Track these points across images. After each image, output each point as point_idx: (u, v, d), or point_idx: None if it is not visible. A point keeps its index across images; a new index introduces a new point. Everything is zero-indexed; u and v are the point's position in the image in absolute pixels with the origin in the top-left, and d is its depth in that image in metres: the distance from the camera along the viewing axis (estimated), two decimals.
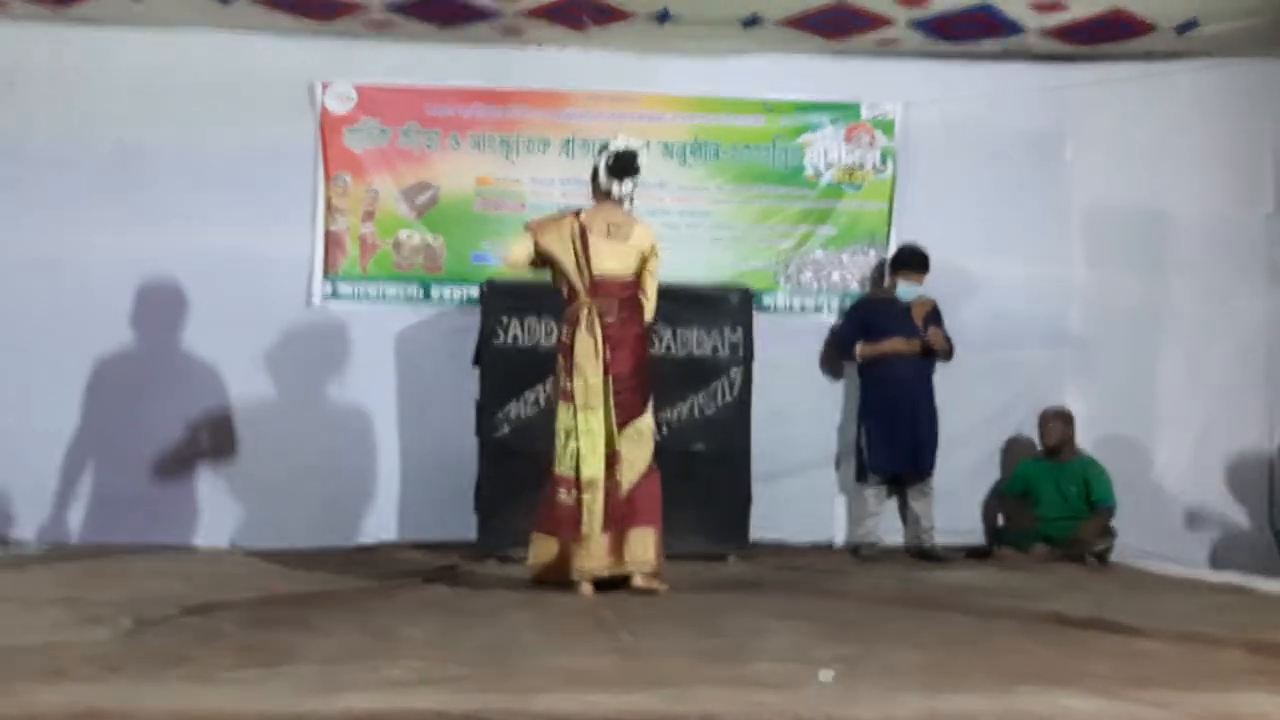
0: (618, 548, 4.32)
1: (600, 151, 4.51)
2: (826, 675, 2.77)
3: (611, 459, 4.30)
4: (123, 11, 5.67)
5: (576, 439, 4.29)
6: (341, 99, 6.02)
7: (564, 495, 4.31)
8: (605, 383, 4.30)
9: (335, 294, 5.99)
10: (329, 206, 5.99)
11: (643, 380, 4.43)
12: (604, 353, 4.29)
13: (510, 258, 4.50)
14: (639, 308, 4.44)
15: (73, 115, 5.86)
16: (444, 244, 6.04)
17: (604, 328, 4.31)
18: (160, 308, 5.81)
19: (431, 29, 5.88)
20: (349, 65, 6.01)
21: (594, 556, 4.29)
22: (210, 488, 5.84)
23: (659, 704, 2.51)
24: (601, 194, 4.47)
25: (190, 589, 4.16)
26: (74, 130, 5.85)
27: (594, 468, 4.26)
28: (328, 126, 6.00)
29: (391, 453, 5.94)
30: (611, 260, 4.36)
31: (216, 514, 5.81)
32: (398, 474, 5.93)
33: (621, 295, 4.38)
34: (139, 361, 5.81)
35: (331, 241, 5.99)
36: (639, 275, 4.44)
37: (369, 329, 5.95)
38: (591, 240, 4.34)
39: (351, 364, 5.94)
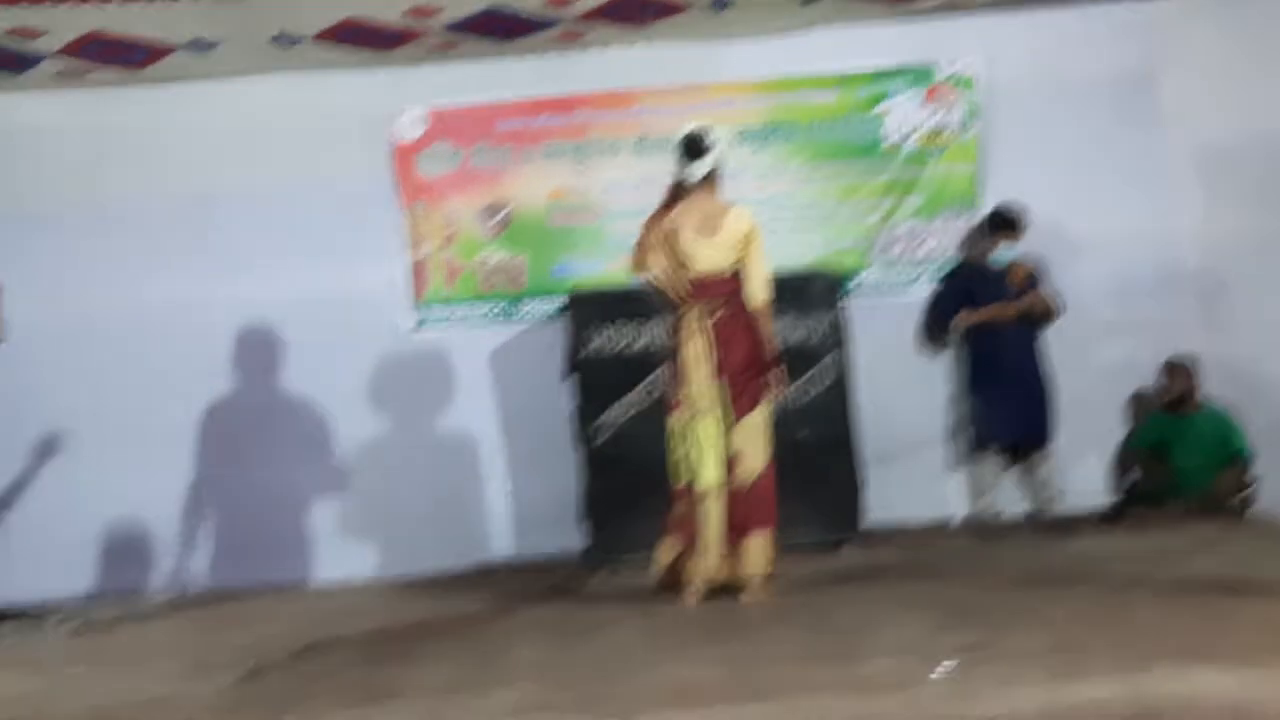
0: (734, 553, 4.21)
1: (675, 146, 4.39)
2: (945, 667, 2.63)
3: (731, 462, 4.19)
4: (193, 68, 5.79)
5: (689, 448, 4.21)
6: (412, 126, 6.05)
7: (682, 506, 4.24)
8: (715, 387, 4.19)
9: (425, 321, 6.03)
10: (410, 235, 6.03)
11: (758, 372, 4.27)
12: (715, 355, 4.19)
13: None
14: (744, 301, 4.27)
15: (155, 172, 6.00)
16: (525, 261, 6.03)
17: (713, 327, 4.21)
18: (256, 352, 5.91)
19: (493, 44, 5.87)
20: (416, 91, 6.02)
21: (711, 564, 4.20)
22: (324, 522, 5.92)
23: (768, 716, 2.42)
24: (686, 185, 4.31)
25: (305, 628, 4.22)
26: (157, 186, 5.99)
27: (709, 477, 4.17)
28: (400, 156, 6.04)
29: (498, 471, 5.96)
30: (708, 256, 4.23)
31: (331, 548, 5.89)
32: (506, 491, 5.94)
33: (726, 290, 4.25)
34: (241, 407, 5.91)
35: (415, 270, 6.03)
36: (740, 264, 4.27)
37: (462, 352, 5.97)
38: (683, 240, 4.23)
39: (449, 388, 5.97)
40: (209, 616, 4.86)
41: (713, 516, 4.16)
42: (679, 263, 4.24)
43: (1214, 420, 5.60)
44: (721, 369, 4.19)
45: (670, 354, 4.31)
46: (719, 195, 4.34)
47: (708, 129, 4.31)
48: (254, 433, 5.93)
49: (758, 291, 4.27)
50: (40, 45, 5.46)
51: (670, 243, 4.24)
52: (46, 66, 5.68)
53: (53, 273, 5.94)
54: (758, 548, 4.19)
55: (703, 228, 4.24)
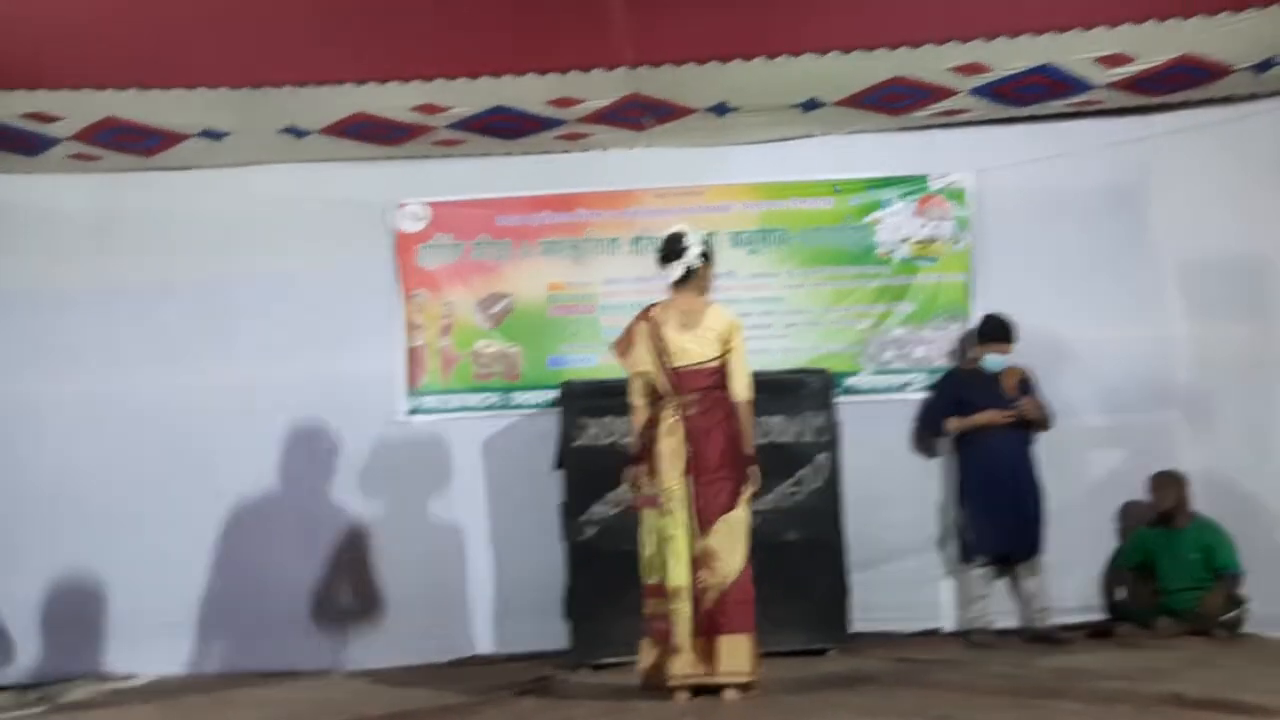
0: (709, 655, 4.16)
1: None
2: None
3: (695, 562, 4.16)
4: (203, 155, 5.94)
5: (662, 546, 4.18)
6: (414, 218, 6.17)
7: (655, 604, 4.21)
8: (685, 484, 4.19)
9: (419, 409, 6.06)
10: (408, 324, 6.10)
11: (736, 469, 4.26)
12: (685, 452, 4.20)
13: (632, 400, 4.43)
14: (725, 395, 4.30)
15: (161, 256, 6.11)
16: (521, 351, 6.09)
17: (686, 421, 4.22)
18: (253, 439, 5.92)
19: (496, 143, 6.02)
20: (419, 185, 6.16)
21: (686, 663, 4.15)
22: (311, 612, 5.87)
23: None
24: (670, 286, 4.42)
25: (279, 715, 4.16)
26: (163, 271, 6.09)
27: (679, 575, 4.14)
28: (402, 246, 6.14)
29: (484, 562, 5.92)
30: (689, 348, 4.29)
31: (315, 637, 5.84)
32: (491, 584, 5.90)
33: (705, 384, 4.29)
34: (235, 494, 5.91)
35: (413, 358, 6.08)
36: (723, 360, 4.32)
37: (454, 441, 6.00)
38: (666, 335, 4.30)
39: (439, 476, 5.97)
40: (189, 703, 4.80)
41: (682, 615, 4.12)
42: (661, 356, 4.28)
43: (1204, 534, 5.56)
44: (693, 466, 4.20)
45: (645, 449, 4.31)
46: (702, 293, 4.41)
47: (685, 232, 4.41)
48: (247, 520, 5.91)
49: (741, 387, 4.31)
50: (55, 129, 5.61)
51: (653, 337, 4.30)
52: (61, 150, 5.82)
53: (60, 351, 6.02)
54: (732, 649, 4.13)
55: (685, 323, 4.31)
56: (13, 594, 5.76)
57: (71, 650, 5.74)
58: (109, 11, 4.74)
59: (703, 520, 4.19)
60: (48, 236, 6.13)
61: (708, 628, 4.13)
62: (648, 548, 4.24)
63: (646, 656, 4.28)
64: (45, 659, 5.70)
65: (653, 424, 4.30)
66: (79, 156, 5.92)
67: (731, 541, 4.20)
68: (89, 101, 5.33)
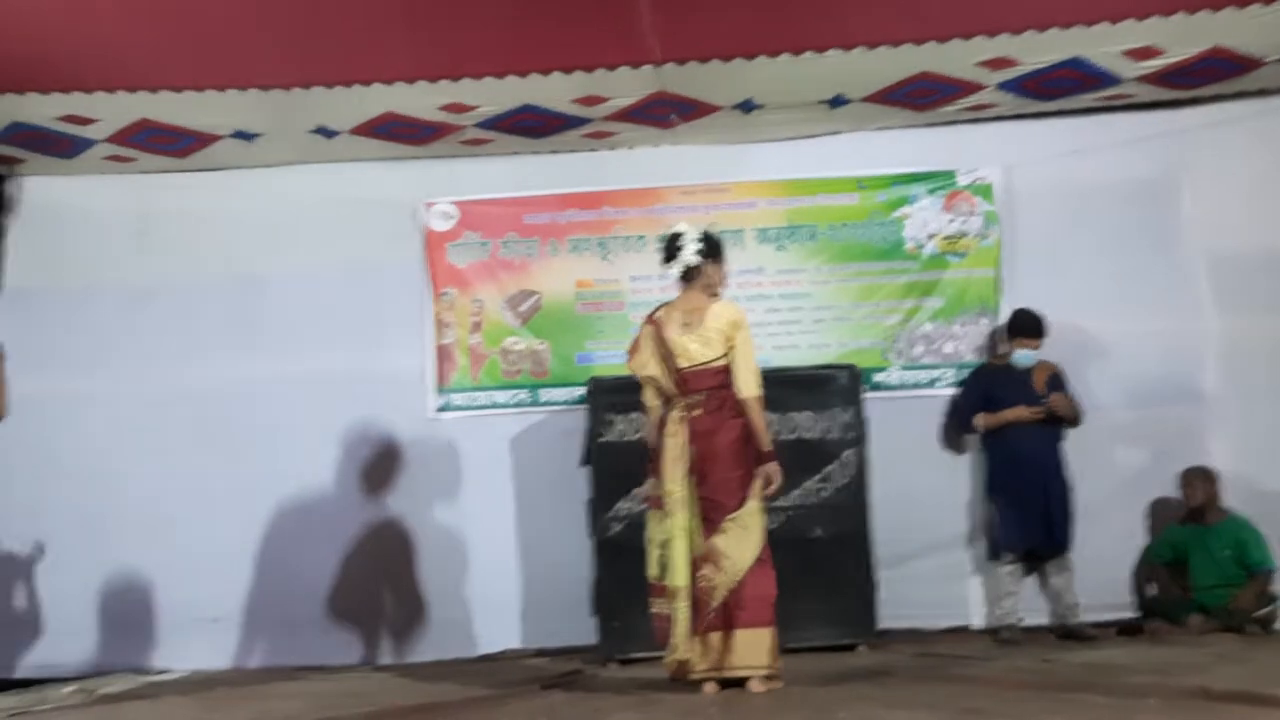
0: (726, 648, 4.13)
1: None
2: None
3: (697, 563, 4.13)
4: (235, 156, 6.03)
5: (665, 546, 4.17)
6: (444, 217, 6.22)
7: (659, 603, 4.19)
8: (688, 486, 4.16)
9: (449, 406, 6.11)
10: (438, 321, 6.15)
11: (744, 468, 4.21)
12: (689, 454, 4.17)
13: (646, 401, 4.40)
14: (732, 393, 4.25)
15: (196, 254, 6.22)
16: (549, 348, 6.13)
17: (692, 423, 4.19)
18: (286, 437, 6.00)
19: (524, 141, 6.06)
20: (449, 184, 6.23)
21: (702, 658, 4.13)
22: (343, 607, 5.93)
23: None
24: (677, 286, 4.38)
25: (313, 707, 4.22)
26: (198, 268, 6.21)
27: (680, 575, 4.12)
28: (432, 244, 6.20)
29: (512, 558, 5.96)
30: (693, 348, 4.24)
31: (347, 633, 5.90)
32: (519, 579, 5.94)
33: (711, 384, 4.24)
34: (269, 491, 5.98)
35: (442, 355, 6.14)
36: (728, 357, 4.26)
37: (483, 437, 6.04)
38: (669, 337, 4.26)
39: (468, 473, 6.02)
40: (220, 695, 4.86)
41: (681, 615, 4.09)
42: (666, 359, 4.26)
43: (1235, 531, 5.51)
44: (697, 467, 4.16)
45: (652, 451, 4.30)
46: (708, 291, 4.34)
47: (684, 230, 4.35)
48: (277, 514, 5.98)
49: (747, 383, 4.22)
50: (92, 131, 5.71)
51: (657, 340, 4.28)
52: (97, 151, 5.93)
53: (99, 349, 6.13)
54: (750, 642, 4.09)
55: (687, 322, 4.27)
56: (52, 588, 5.87)
57: (110, 644, 5.84)
58: (142, 15, 4.81)
59: (709, 521, 4.15)
60: (86, 236, 6.25)
61: (723, 623, 4.12)
62: (654, 548, 4.23)
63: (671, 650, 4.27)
64: (84, 653, 5.80)
65: (659, 425, 4.28)
66: (115, 158, 6.02)
67: (741, 539, 4.14)
68: (123, 104, 5.43)
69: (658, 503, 4.22)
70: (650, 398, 4.37)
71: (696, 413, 4.22)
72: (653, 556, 4.23)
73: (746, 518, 4.18)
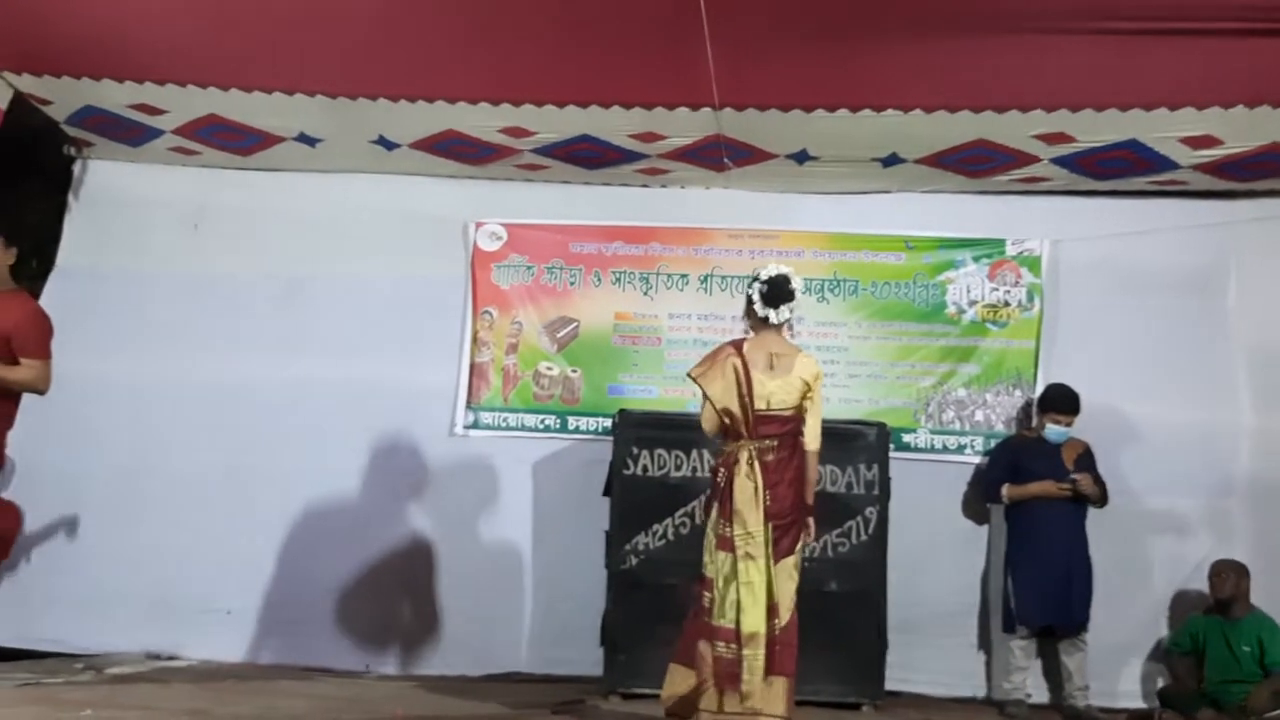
0: (748, 694, 4.12)
1: (752, 282, 4.35)
2: None
3: (771, 610, 4.11)
4: (296, 159, 6.16)
5: (738, 590, 4.11)
6: (492, 238, 6.30)
7: (722, 648, 4.12)
8: (766, 530, 4.13)
9: (477, 424, 6.16)
10: (475, 339, 6.22)
11: (799, 515, 4.25)
12: (764, 498, 4.15)
13: (708, 427, 4.36)
14: (799, 441, 4.27)
15: (248, 251, 6.33)
16: (582, 376, 6.17)
17: (764, 468, 4.17)
18: (319, 437, 6.07)
19: (577, 171, 6.15)
20: (499, 206, 6.31)
21: (729, 702, 4.12)
22: (355, 612, 5.96)
23: None
24: (759, 323, 4.33)
25: (317, 708, 4.24)
26: (249, 265, 6.31)
27: (755, 620, 4.08)
28: (478, 263, 6.28)
29: (526, 582, 5.97)
30: (775, 394, 4.22)
31: (357, 638, 5.93)
32: (531, 604, 5.95)
33: (783, 430, 4.24)
34: (296, 489, 6.03)
35: (476, 373, 6.20)
36: (800, 407, 4.27)
37: (508, 458, 6.07)
38: (754, 375, 4.22)
39: (489, 492, 6.05)
40: (227, 687, 4.90)
41: (758, 662, 4.05)
42: (744, 396, 4.23)
43: (1258, 628, 5.41)
44: (770, 512, 4.16)
45: (718, 488, 4.26)
46: (788, 337, 4.39)
47: (791, 274, 4.34)
48: (302, 514, 6.03)
49: (816, 436, 4.28)
50: (160, 122, 5.85)
51: (738, 375, 4.24)
52: (163, 142, 6.08)
53: (147, 335, 6.24)
54: (775, 689, 4.10)
55: (774, 366, 4.25)
56: (76, 565, 5.93)
57: (124, 625, 5.87)
58: (218, 15, 4.94)
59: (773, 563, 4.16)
60: (143, 223, 6.39)
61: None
62: (721, 590, 4.16)
63: (679, 684, 4.22)
64: (98, 633, 5.83)
65: (727, 465, 4.25)
66: (179, 150, 6.16)
67: (787, 587, 4.19)
68: (194, 98, 5.56)
69: (728, 544, 4.16)
70: (710, 423, 4.31)
71: (769, 458, 4.20)
72: (720, 599, 4.16)
73: (792, 566, 4.22)
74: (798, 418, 4.26)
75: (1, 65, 5.40)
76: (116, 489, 6.01)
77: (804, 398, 4.26)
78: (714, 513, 4.24)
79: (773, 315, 4.29)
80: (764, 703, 4.11)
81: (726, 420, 4.25)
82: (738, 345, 4.32)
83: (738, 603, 4.10)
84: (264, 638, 5.90)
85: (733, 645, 4.10)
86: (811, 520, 4.31)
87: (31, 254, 6.68)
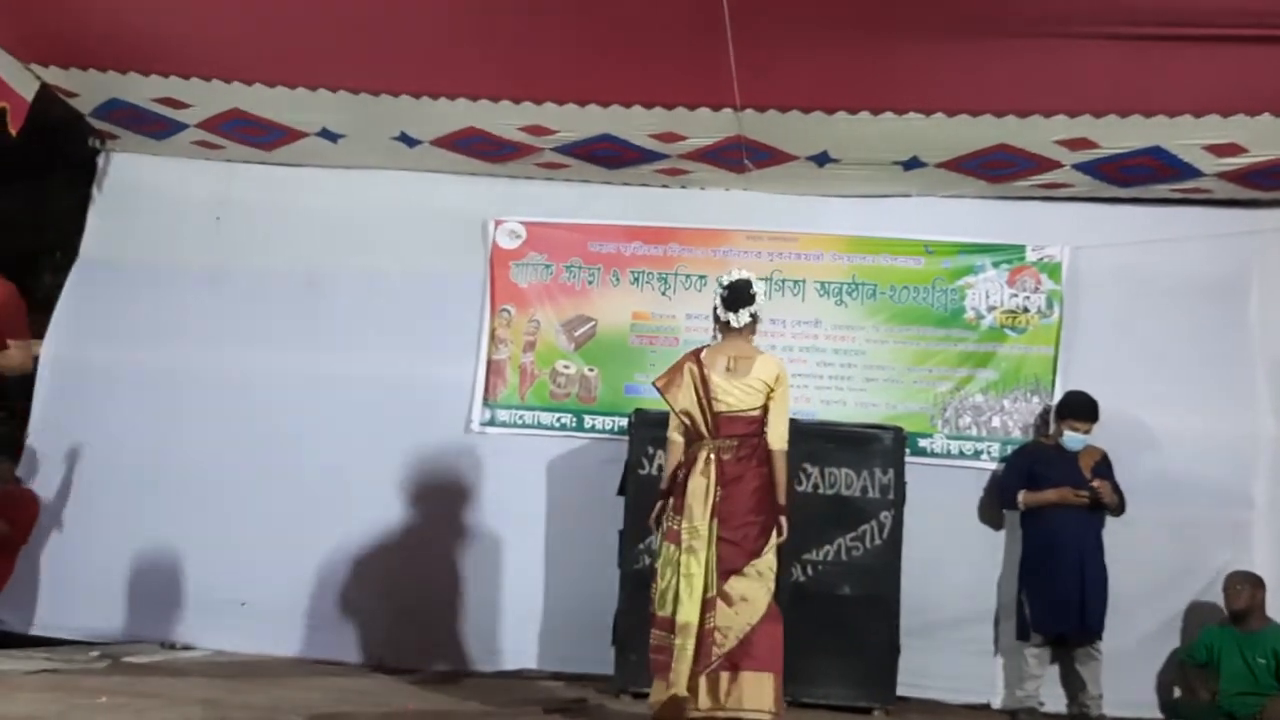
0: (731, 690, 4.14)
1: (716, 288, 4.50)
2: None
3: (709, 603, 4.16)
4: (318, 154, 6.19)
5: (676, 581, 4.19)
6: (511, 235, 6.32)
7: (661, 636, 4.21)
8: (710, 527, 4.20)
9: (493, 421, 6.18)
10: (493, 336, 6.24)
11: (765, 517, 4.27)
12: (714, 495, 4.22)
13: (670, 434, 4.43)
14: (762, 442, 4.32)
15: (269, 246, 6.37)
16: (599, 375, 6.18)
17: (719, 466, 4.24)
18: (333, 430, 6.10)
19: (597, 170, 6.16)
20: (519, 204, 6.33)
21: (707, 696, 4.12)
22: (362, 605, 5.99)
23: None
24: (722, 327, 4.44)
25: (327, 700, 4.27)
26: (270, 260, 6.35)
27: (689, 612, 4.13)
28: (497, 261, 6.30)
29: (538, 579, 5.98)
30: (733, 397, 4.31)
31: (368, 632, 5.94)
32: (542, 601, 5.95)
33: (744, 431, 4.31)
34: (309, 483, 6.05)
35: (493, 370, 6.22)
36: (765, 408, 4.33)
37: (523, 456, 6.08)
38: (711, 379, 4.32)
39: (503, 489, 6.06)
40: (238, 677, 4.93)
41: (685, 652, 4.10)
42: (705, 399, 4.30)
43: (1274, 641, 5.38)
44: (720, 509, 4.20)
45: (677, 484, 4.34)
46: (751, 339, 4.44)
47: (752, 279, 4.44)
48: (313, 507, 6.04)
49: (780, 436, 4.32)
50: (185, 115, 5.89)
51: (694, 379, 4.33)
52: (187, 135, 6.12)
53: (166, 325, 6.28)
54: (756, 685, 4.11)
55: (733, 368, 4.33)
56: (90, 556, 5.98)
57: (138, 614, 5.93)
58: (244, 10, 4.96)
59: (727, 565, 4.18)
60: (165, 216, 6.44)
61: (730, 664, 4.13)
62: (663, 580, 4.25)
63: (658, 690, 4.24)
64: (113, 621, 5.90)
65: (687, 463, 4.32)
66: (203, 143, 6.21)
67: (758, 586, 4.20)
68: (219, 92, 5.60)
69: (675, 537, 4.25)
70: (675, 431, 4.41)
71: (726, 457, 4.27)
72: (662, 590, 4.25)
73: (764, 566, 4.24)
74: (760, 419, 4.32)
75: (28, 57, 5.44)
76: (134, 479, 6.06)
77: (767, 399, 4.31)
78: (669, 507, 4.33)
79: (733, 319, 4.38)
80: (752, 699, 4.12)
81: (687, 421, 4.34)
82: (697, 353, 4.44)
83: (676, 594, 4.16)
84: (278, 630, 5.93)
85: (670, 635, 4.15)
86: (784, 520, 4.32)
87: (55, 245, 6.79)
